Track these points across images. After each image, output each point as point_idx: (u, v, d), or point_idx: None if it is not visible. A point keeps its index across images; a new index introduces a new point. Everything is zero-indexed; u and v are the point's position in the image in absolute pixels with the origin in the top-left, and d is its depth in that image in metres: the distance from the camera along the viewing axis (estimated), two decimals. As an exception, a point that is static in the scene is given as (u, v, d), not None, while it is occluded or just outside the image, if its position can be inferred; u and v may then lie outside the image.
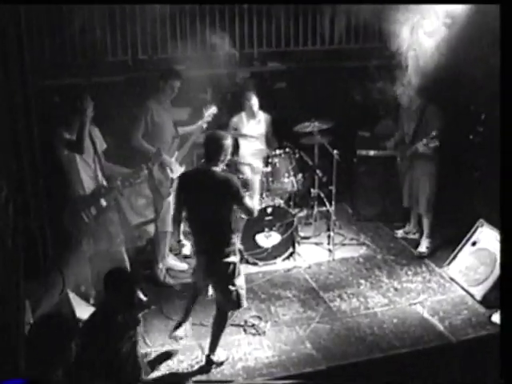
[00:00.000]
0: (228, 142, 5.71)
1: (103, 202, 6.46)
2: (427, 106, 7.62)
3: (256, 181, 8.12)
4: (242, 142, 8.33)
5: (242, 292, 5.88)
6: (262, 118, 8.31)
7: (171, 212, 7.10)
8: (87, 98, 6.27)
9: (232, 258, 5.74)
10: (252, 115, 8.22)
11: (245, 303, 5.97)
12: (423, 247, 8.09)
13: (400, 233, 8.59)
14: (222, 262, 5.69)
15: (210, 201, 5.60)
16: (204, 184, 5.65)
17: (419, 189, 7.90)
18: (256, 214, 5.93)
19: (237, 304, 5.89)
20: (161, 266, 7.41)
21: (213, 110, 7.63)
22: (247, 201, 5.71)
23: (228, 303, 5.87)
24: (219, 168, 5.70)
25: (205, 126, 7.62)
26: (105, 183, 6.58)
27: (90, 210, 6.39)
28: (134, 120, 7.10)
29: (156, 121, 7.12)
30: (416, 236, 8.42)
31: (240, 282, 5.86)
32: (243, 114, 8.28)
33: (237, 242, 6.02)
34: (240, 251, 6.98)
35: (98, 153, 6.52)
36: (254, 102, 8.13)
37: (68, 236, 6.48)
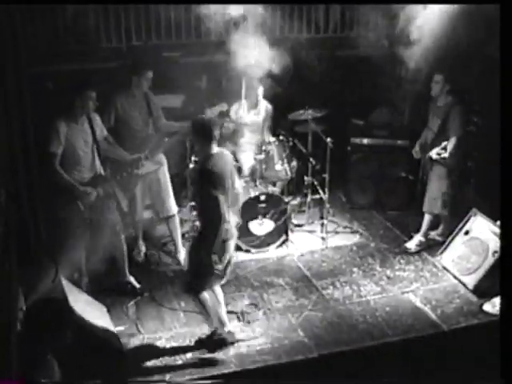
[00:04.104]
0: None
1: (100, 191, 6.44)
2: (455, 105, 7.44)
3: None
4: (240, 129, 8.28)
5: None
6: (263, 107, 8.30)
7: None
8: (88, 94, 6.25)
9: None
10: (255, 104, 8.20)
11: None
12: (413, 244, 8.01)
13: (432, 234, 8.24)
14: None
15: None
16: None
17: (429, 188, 7.86)
18: None
19: None
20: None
21: (221, 107, 7.59)
22: None
23: None
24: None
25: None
26: (102, 172, 6.56)
27: (86, 198, 6.37)
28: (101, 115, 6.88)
29: (122, 116, 7.05)
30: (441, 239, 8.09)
31: None
32: (244, 102, 8.25)
33: None
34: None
35: (96, 141, 6.49)
36: (259, 91, 8.10)
37: (62, 224, 6.47)
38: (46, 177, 6.39)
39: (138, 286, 7.03)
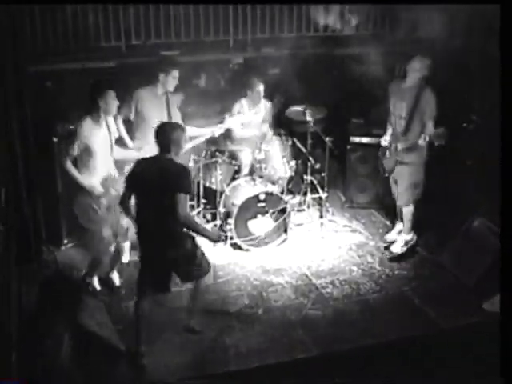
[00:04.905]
0: (178, 133, 5.63)
1: (113, 192, 6.38)
2: (424, 87, 7.07)
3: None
4: (239, 128, 8.27)
5: None
6: (263, 105, 8.30)
7: None
8: (111, 94, 6.20)
9: None
10: (256, 103, 8.20)
11: None
12: (398, 246, 7.83)
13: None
14: None
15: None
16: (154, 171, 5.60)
17: (401, 179, 7.48)
18: (182, 219, 5.53)
19: None
20: None
21: (239, 118, 7.69)
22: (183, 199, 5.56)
23: None
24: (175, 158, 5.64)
25: (217, 134, 7.60)
26: (116, 174, 6.51)
27: (101, 201, 6.32)
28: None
29: (140, 111, 7.12)
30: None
31: None
32: (244, 101, 8.25)
33: None
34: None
35: (112, 142, 6.46)
36: (261, 89, 8.10)
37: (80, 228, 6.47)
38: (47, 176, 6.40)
39: (117, 283, 7.00)
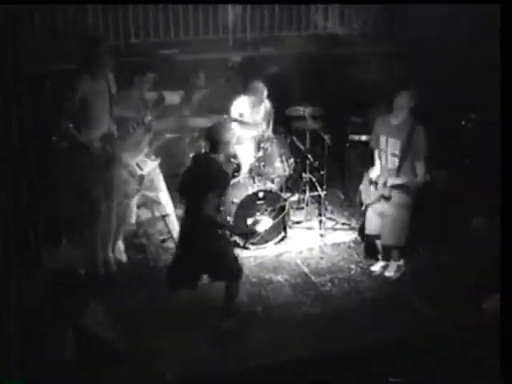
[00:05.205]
0: (228, 135, 5.80)
1: (109, 149, 6.47)
2: (415, 125, 6.76)
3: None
4: (239, 128, 8.26)
5: None
6: (263, 105, 8.32)
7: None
8: (105, 49, 6.37)
9: None
10: (258, 103, 8.22)
11: None
12: (391, 271, 7.42)
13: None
14: None
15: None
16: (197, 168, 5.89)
17: (388, 219, 7.08)
18: (204, 217, 5.68)
19: None
20: None
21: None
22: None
23: None
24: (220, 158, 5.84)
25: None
26: (114, 131, 6.60)
27: (97, 158, 6.43)
28: None
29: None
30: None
31: None
32: (246, 100, 8.27)
33: None
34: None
35: (111, 98, 6.51)
36: (263, 90, 8.12)
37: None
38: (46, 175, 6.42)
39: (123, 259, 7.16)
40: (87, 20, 8.33)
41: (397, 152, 6.83)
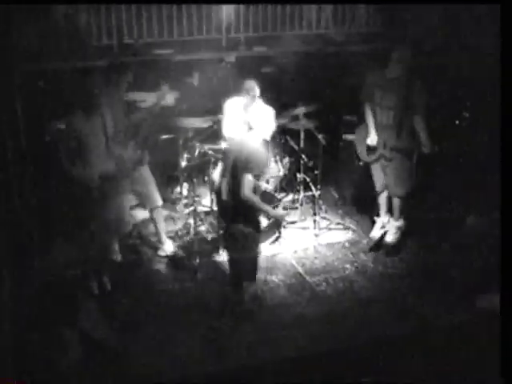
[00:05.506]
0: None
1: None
2: (414, 78, 6.86)
3: None
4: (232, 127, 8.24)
5: None
6: (257, 106, 8.30)
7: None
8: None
9: None
10: (251, 104, 8.18)
11: None
12: (390, 235, 7.73)
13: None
14: None
15: None
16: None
17: (391, 171, 7.37)
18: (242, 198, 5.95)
19: None
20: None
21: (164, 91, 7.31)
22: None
23: None
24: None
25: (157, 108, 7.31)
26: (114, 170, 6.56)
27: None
28: None
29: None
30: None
31: None
32: (241, 100, 8.23)
33: None
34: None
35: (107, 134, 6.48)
36: (256, 90, 8.08)
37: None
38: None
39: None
40: (80, 19, 8.30)
41: (392, 104, 6.93)
